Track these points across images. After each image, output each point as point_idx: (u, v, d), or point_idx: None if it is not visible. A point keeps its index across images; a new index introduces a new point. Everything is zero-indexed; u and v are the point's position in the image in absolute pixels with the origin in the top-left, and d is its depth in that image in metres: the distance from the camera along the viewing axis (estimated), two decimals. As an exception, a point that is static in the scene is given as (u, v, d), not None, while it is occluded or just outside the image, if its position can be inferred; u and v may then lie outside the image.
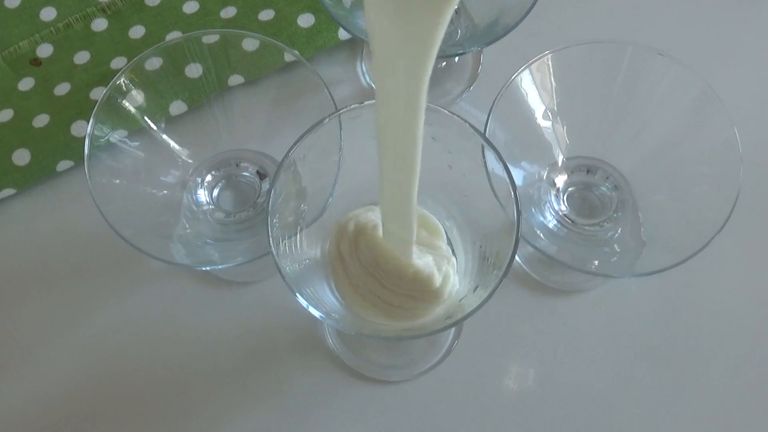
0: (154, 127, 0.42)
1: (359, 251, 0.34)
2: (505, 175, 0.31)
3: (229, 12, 0.50)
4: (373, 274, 0.34)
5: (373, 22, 0.23)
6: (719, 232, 0.35)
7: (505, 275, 0.29)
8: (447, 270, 0.34)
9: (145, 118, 0.41)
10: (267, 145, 0.44)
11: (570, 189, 0.43)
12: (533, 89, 0.40)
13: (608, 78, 0.41)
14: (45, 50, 0.49)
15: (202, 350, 0.42)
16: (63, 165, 0.45)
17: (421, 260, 0.33)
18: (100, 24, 0.50)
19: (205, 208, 0.43)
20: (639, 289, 0.43)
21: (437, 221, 0.37)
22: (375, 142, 0.34)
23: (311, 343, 0.42)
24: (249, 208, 0.43)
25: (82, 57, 0.48)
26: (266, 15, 0.49)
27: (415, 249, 0.33)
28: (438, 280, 0.33)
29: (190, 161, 0.43)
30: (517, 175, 0.41)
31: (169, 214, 0.41)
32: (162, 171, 0.42)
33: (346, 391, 0.41)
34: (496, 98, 0.38)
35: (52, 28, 0.49)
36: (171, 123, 0.43)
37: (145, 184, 0.40)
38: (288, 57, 0.41)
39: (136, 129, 0.40)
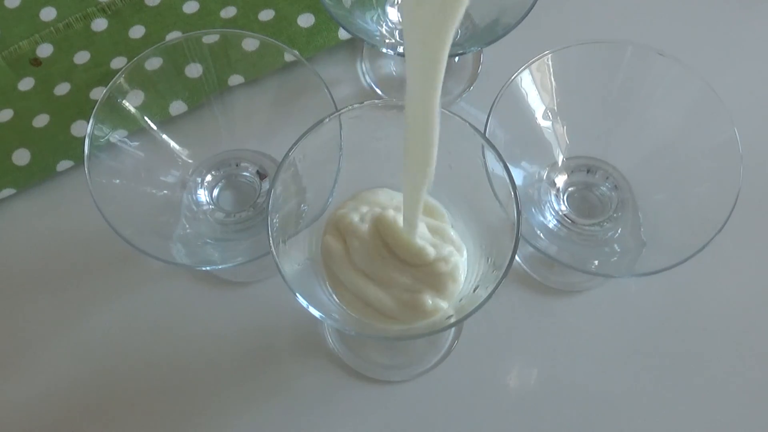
0: (154, 127, 0.42)
1: (377, 239, 0.34)
2: (505, 175, 0.31)
3: (229, 12, 0.50)
4: (390, 262, 0.34)
5: None
6: (719, 232, 0.35)
7: (505, 275, 0.29)
8: (456, 260, 0.34)
9: (145, 118, 0.41)
10: (267, 145, 0.44)
11: (570, 189, 0.43)
12: (533, 89, 0.40)
13: (608, 78, 0.41)
14: (45, 50, 0.49)
15: (201, 350, 0.42)
16: (63, 165, 0.45)
17: (438, 248, 0.33)
18: (100, 24, 0.50)
19: (205, 208, 0.43)
20: (639, 289, 0.43)
21: (442, 208, 0.37)
22: (375, 141, 0.34)
23: (311, 343, 0.42)
24: (249, 208, 0.43)
25: (82, 57, 0.49)
26: (266, 15, 0.49)
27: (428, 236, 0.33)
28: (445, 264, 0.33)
29: (190, 161, 0.43)
30: (517, 175, 0.41)
31: (169, 214, 0.41)
32: (162, 171, 0.42)
33: (346, 391, 0.41)
34: (496, 98, 0.38)
35: (52, 28, 0.49)
36: (171, 123, 0.43)
37: (145, 184, 0.40)
38: (288, 57, 0.41)
39: (136, 129, 0.40)
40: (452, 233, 0.35)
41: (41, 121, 0.46)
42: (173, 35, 0.49)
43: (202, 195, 0.43)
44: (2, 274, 0.44)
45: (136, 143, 0.40)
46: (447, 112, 0.32)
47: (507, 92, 0.38)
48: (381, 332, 0.34)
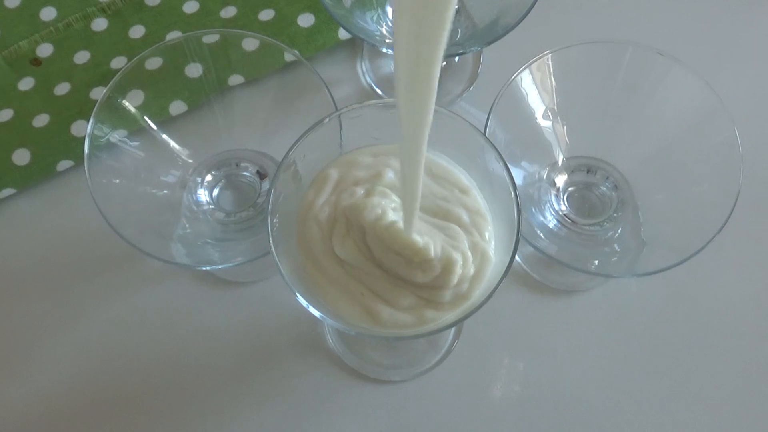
0: (154, 127, 0.42)
1: (376, 239, 0.31)
2: (505, 175, 0.31)
3: (229, 12, 0.50)
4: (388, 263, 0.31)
5: None
6: (719, 232, 0.35)
7: (505, 275, 0.29)
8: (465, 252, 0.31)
9: (145, 118, 0.41)
10: (267, 145, 0.44)
11: (570, 189, 0.43)
12: (533, 89, 0.40)
13: (608, 78, 0.41)
14: (45, 50, 0.49)
15: (201, 350, 0.42)
16: (63, 165, 0.45)
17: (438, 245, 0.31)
18: (100, 24, 0.50)
19: (205, 208, 0.43)
20: (639, 289, 0.43)
21: (451, 167, 0.34)
22: (374, 141, 0.34)
23: (311, 343, 0.42)
24: (249, 208, 0.43)
25: (82, 57, 0.49)
26: (266, 15, 0.49)
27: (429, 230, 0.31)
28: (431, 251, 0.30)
29: (190, 161, 0.43)
30: (517, 175, 0.41)
31: (169, 214, 0.41)
32: (162, 171, 0.42)
33: (346, 391, 0.41)
34: (496, 98, 0.38)
35: (52, 28, 0.49)
36: (171, 123, 0.43)
37: (145, 184, 0.40)
38: (288, 57, 0.41)
39: (136, 129, 0.40)
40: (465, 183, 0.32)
41: (41, 121, 0.46)
42: (173, 35, 0.49)
43: (202, 195, 0.43)
44: (2, 273, 0.44)
45: (136, 143, 0.40)
46: (447, 111, 0.32)
47: (507, 92, 0.38)
48: (381, 332, 0.34)
